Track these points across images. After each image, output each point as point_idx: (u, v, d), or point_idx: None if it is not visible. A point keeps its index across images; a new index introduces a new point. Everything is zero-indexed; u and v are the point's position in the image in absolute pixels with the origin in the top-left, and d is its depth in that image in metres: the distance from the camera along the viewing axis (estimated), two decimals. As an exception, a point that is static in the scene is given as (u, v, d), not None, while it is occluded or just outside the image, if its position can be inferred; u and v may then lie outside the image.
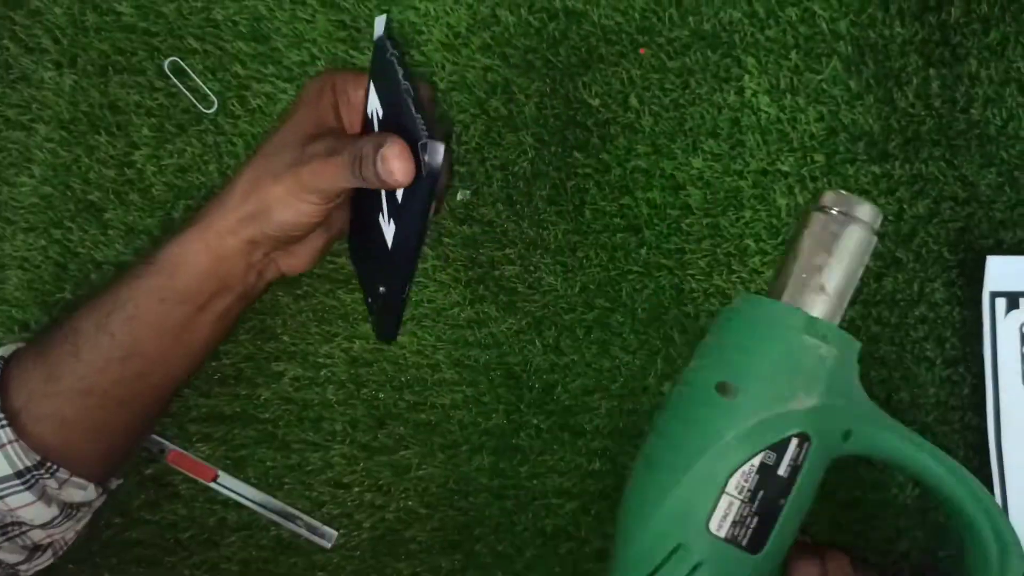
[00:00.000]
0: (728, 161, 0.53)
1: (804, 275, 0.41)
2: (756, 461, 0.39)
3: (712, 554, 0.39)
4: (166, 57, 0.54)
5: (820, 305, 0.41)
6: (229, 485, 0.54)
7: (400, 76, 0.43)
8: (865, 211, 0.41)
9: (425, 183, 0.41)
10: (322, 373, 0.54)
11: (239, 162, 0.54)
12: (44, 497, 0.46)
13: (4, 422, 0.45)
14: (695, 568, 0.39)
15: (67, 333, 0.47)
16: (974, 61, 0.52)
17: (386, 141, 0.41)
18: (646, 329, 0.54)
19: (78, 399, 0.46)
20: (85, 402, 0.47)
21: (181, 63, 0.54)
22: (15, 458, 0.44)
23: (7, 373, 0.46)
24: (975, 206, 0.52)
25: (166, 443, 0.54)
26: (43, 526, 0.47)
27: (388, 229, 0.46)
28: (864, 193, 0.53)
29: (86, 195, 0.55)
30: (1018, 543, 0.41)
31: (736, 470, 0.39)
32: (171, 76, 0.54)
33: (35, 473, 0.45)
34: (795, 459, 0.39)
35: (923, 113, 0.52)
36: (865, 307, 0.52)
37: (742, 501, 0.39)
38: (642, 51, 0.54)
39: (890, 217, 0.52)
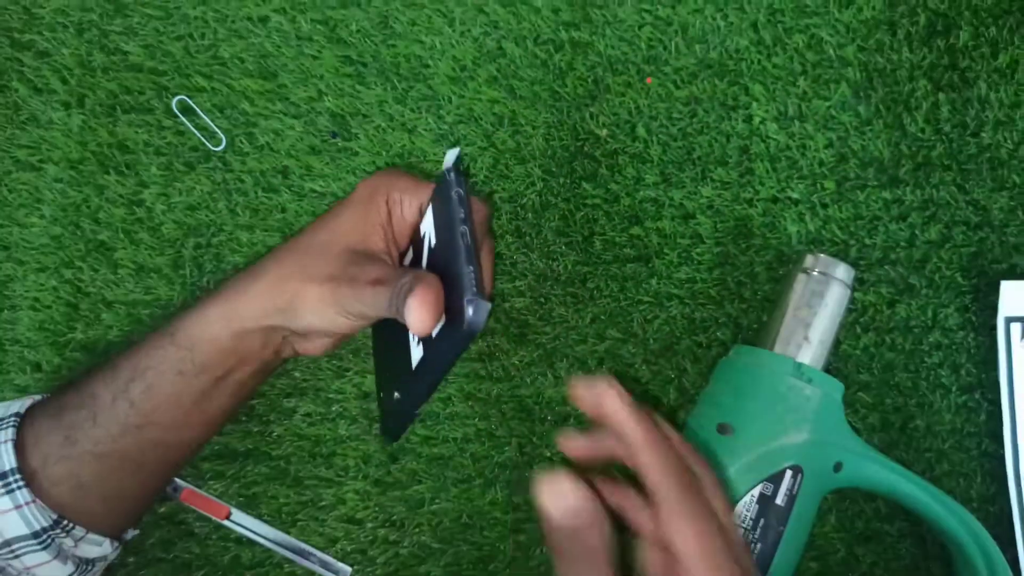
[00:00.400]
0: (737, 189, 0.53)
1: (790, 328, 0.47)
2: (756, 492, 0.44)
3: None
4: (174, 95, 0.54)
5: (805, 353, 0.47)
6: (242, 522, 0.54)
7: (459, 217, 0.43)
8: (842, 271, 0.48)
9: (463, 336, 0.40)
10: (334, 408, 0.54)
11: (248, 199, 0.54)
12: (60, 555, 0.46)
13: (21, 483, 0.45)
14: None
15: (84, 398, 0.47)
16: (983, 84, 0.52)
17: (417, 287, 0.40)
18: (658, 359, 0.53)
19: (94, 462, 0.46)
20: (101, 466, 0.47)
21: (189, 101, 0.54)
22: (32, 519, 0.44)
23: (23, 433, 0.46)
24: (987, 231, 0.52)
25: (179, 481, 0.54)
26: None
27: (415, 351, 0.46)
28: (876, 219, 0.52)
29: (96, 235, 0.55)
30: (1005, 563, 0.45)
31: (738, 501, 0.44)
32: (179, 114, 0.54)
33: (51, 533, 0.45)
34: (791, 489, 0.44)
35: (933, 138, 0.52)
36: (879, 334, 0.52)
37: (745, 529, 0.44)
38: (649, 80, 0.53)
39: (902, 243, 0.52)
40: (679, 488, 0.40)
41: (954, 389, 0.52)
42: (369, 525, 0.54)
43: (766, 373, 0.47)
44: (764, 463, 0.45)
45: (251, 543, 0.54)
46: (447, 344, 0.42)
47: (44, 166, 0.55)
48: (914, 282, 0.52)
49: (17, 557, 0.45)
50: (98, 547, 0.48)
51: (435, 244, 0.45)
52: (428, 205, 0.48)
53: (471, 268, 0.40)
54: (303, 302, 0.46)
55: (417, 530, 0.54)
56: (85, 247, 0.55)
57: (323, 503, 0.54)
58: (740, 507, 0.44)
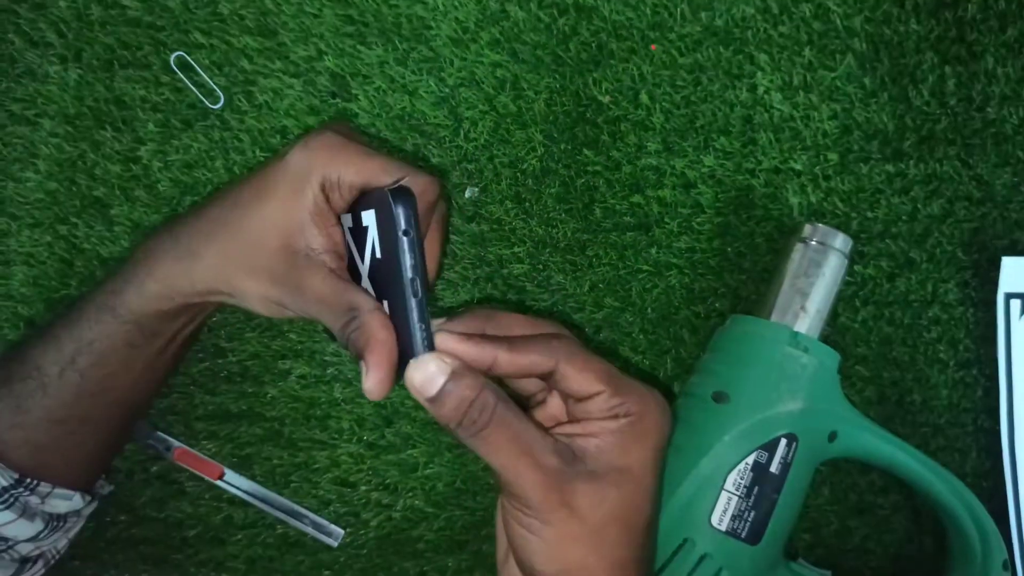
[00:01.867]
0: (740, 159, 0.53)
1: (787, 297, 0.47)
2: (750, 460, 0.44)
3: (715, 546, 0.44)
4: (172, 52, 0.54)
5: (802, 322, 0.47)
6: (235, 483, 0.54)
7: (409, 264, 0.37)
8: (840, 241, 0.48)
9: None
10: (329, 371, 0.54)
11: (245, 158, 0.54)
12: (26, 513, 0.45)
13: None
14: (701, 560, 0.44)
15: (29, 370, 0.46)
16: (991, 58, 0.51)
17: (371, 356, 0.37)
18: (656, 329, 0.53)
19: (52, 427, 0.46)
20: (60, 429, 0.46)
21: (187, 58, 0.54)
22: None
23: None
24: (990, 206, 0.52)
25: (172, 440, 0.54)
26: (29, 540, 0.46)
27: None
28: (878, 192, 0.52)
29: (91, 191, 0.54)
30: (998, 534, 0.45)
31: (733, 469, 0.44)
32: (177, 71, 0.54)
33: (13, 492, 0.45)
34: (785, 457, 0.45)
35: (938, 111, 0.52)
36: (878, 308, 0.52)
37: (739, 497, 0.44)
38: (653, 47, 0.53)
39: (904, 217, 0.52)
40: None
41: (951, 364, 0.52)
42: (362, 488, 0.54)
43: (762, 342, 0.46)
44: (759, 431, 0.44)
45: (243, 504, 0.54)
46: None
47: (40, 120, 0.54)
48: (914, 256, 0.52)
49: None
50: (68, 501, 0.48)
51: (380, 257, 0.40)
52: (363, 209, 0.41)
53: (422, 326, 0.37)
54: (247, 296, 0.44)
55: (410, 494, 0.54)
56: (80, 203, 0.54)
57: (316, 465, 0.54)
58: (734, 475, 0.44)
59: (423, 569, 0.54)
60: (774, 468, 0.44)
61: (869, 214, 0.52)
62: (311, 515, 0.54)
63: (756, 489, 0.44)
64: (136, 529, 0.54)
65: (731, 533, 0.44)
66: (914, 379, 0.52)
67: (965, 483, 0.46)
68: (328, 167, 0.42)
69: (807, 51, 0.52)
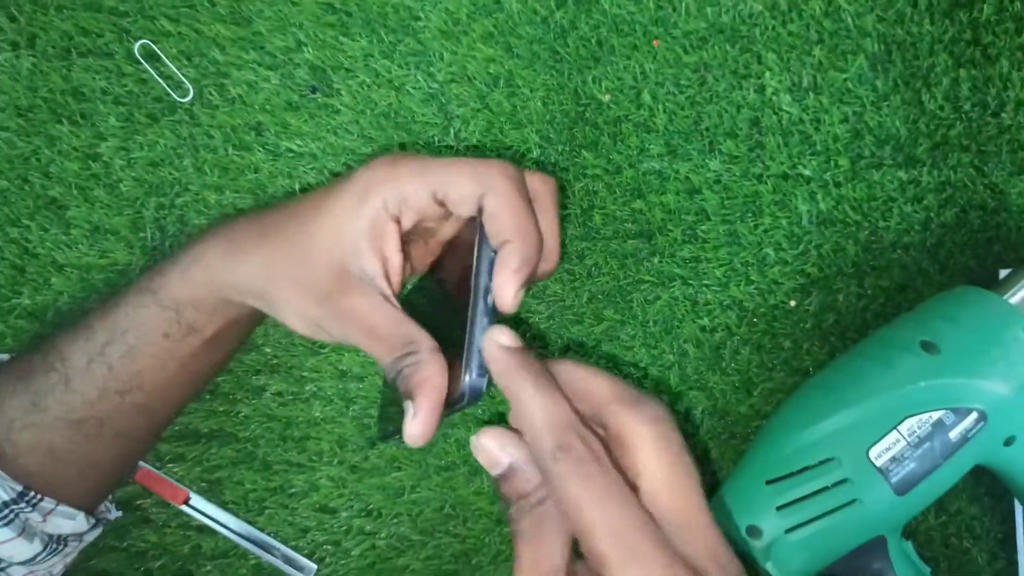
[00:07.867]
0: (747, 164, 0.50)
1: None
2: (936, 415, 0.43)
3: (860, 476, 0.43)
4: (136, 40, 0.50)
5: None
6: (201, 508, 0.50)
7: (483, 271, 0.37)
8: None
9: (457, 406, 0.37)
10: (307, 388, 0.51)
11: (217, 156, 0.50)
12: (26, 532, 0.42)
13: None
14: (840, 482, 0.43)
15: (52, 361, 0.43)
16: (1006, 62, 0.49)
17: (423, 399, 0.36)
18: (658, 343, 0.50)
19: (69, 430, 0.43)
20: (77, 433, 0.43)
21: (153, 47, 0.50)
22: None
23: None
24: (1005, 215, 0.50)
25: (135, 463, 0.50)
26: (24, 563, 0.43)
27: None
28: (890, 200, 0.50)
29: (46, 190, 0.50)
30: None
31: (915, 415, 0.43)
32: (142, 61, 0.50)
33: (14, 507, 0.41)
34: (968, 431, 0.43)
35: (952, 116, 0.50)
36: (888, 321, 0.50)
37: (908, 443, 0.43)
38: (656, 44, 0.50)
39: (916, 226, 0.50)
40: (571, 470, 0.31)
41: (966, 381, 0.50)
42: (344, 514, 0.51)
43: (992, 315, 0.44)
44: (958, 393, 0.43)
45: (214, 532, 0.50)
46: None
47: (-12, 113, 0.50)
48: (927, 267, 0.50)
49: None
50: (71, 521, 0.44)
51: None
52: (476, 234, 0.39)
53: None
54: (285, 309, 0.41)
55: (395, 520, 0.51)
56: (34, 204, 0.50)
57: (294, 490, 0.51)
58: (914, 421, 0.42)
59: (409, 600, 0.51)
60: (953, 435, 0.42)
61: (881, 223, 0.50)
62: (282, 547, 0.50)
63: (927, 445, 0.42)
64: (95, 561, 0.50)
65: (882, 472, 0.42)
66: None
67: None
68: (388, 183, 0.39)
69: (817, 51, 0.50)
